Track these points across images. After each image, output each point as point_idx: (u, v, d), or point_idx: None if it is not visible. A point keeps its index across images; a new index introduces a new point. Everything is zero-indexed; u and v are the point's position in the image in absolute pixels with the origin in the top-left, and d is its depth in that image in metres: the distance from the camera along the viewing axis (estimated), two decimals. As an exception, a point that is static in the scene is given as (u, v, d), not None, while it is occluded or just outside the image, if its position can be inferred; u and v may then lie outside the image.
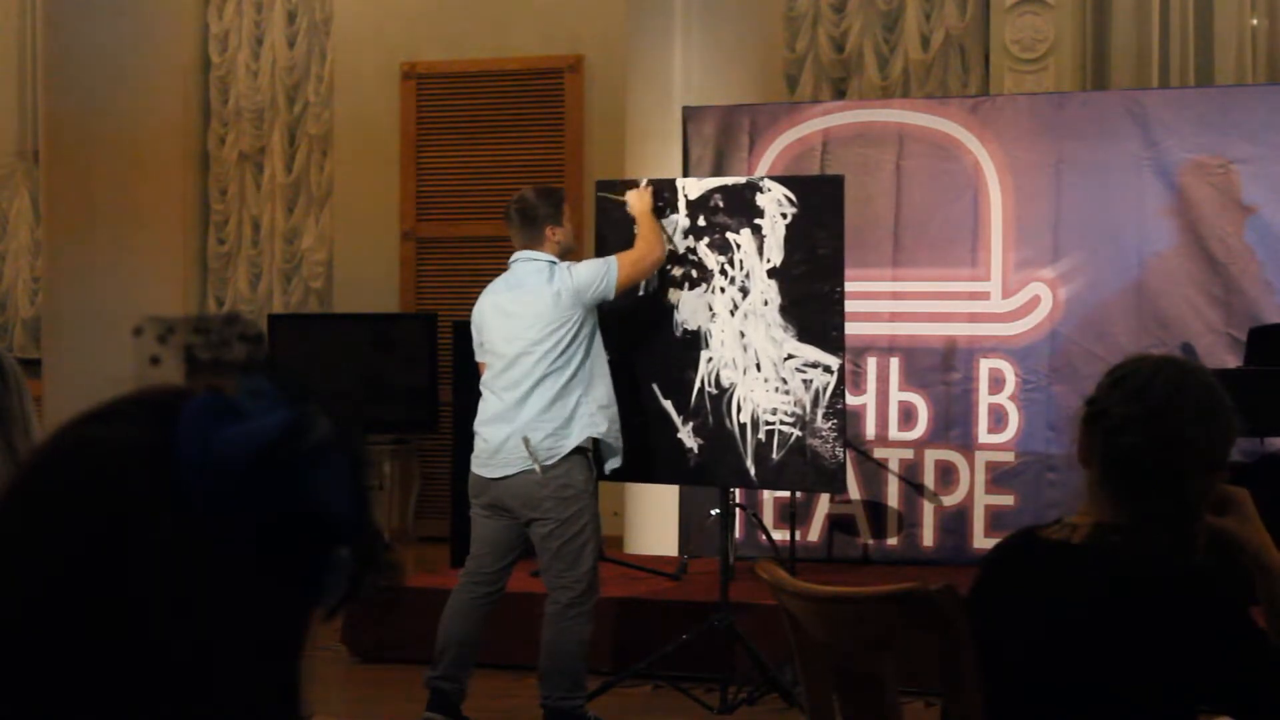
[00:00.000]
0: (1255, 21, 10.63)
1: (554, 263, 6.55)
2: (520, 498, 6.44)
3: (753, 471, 6.97)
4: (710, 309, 7.02)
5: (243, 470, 0.95)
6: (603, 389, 6.56)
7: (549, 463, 6.40)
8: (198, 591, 0.97)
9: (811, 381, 6.86)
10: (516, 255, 6.62)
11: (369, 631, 8.06)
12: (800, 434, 6.86)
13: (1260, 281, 8.34)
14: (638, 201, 6.98)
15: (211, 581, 0.97)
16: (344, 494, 0.98)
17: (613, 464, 6.71)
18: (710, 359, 7.02)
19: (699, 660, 7.16)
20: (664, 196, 7.11)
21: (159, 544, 0.95)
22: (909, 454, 8.81)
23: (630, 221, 7.10)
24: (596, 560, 6.57)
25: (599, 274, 6.55)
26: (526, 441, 6.40)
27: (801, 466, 6.88)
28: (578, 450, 6.46)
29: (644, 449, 7.08)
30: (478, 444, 6.59)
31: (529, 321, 6.49)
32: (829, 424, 6.83)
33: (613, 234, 7.20)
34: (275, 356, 1.04)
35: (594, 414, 6.49)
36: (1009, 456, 8.66)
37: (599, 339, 6.61)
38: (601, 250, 7.26)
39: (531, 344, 6.47)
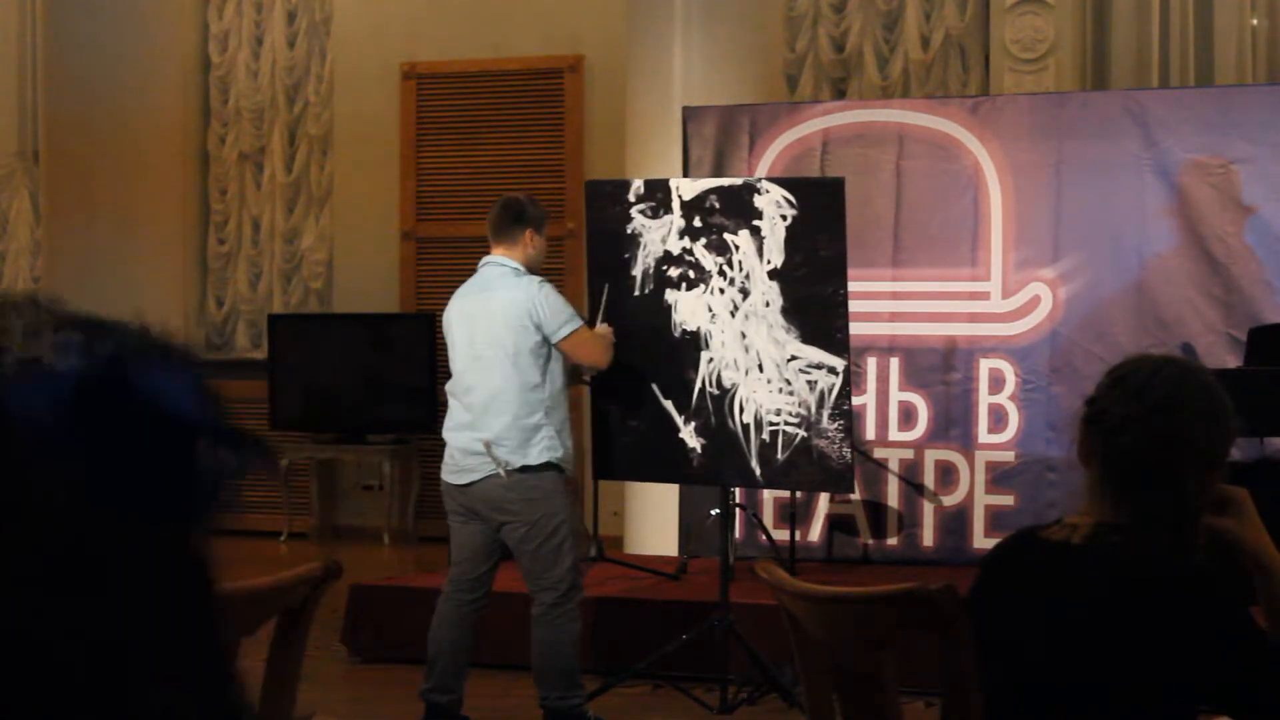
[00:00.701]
0: (1255, 21, 10.64)
1: (520, 270, 6.50)
2: (489, 502, 6.43)
3: (758, 472, 6.96)
4: (709, 310, 7.01)
5: (68, 417, 0.94)
6: (560, 415, 6.52)
7: (510, 468, 6.39)
8: (114, 563, 0.95)
9: (816, 383, 6.85)
10: (485, 260, 6.60)
11: (369, 631, 8.06)
12: (806, 435, 6.86)
13: (1260, 281, 8.34)
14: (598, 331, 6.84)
15: (117, 538, 0.95)
16: (182, 393, 0.96)
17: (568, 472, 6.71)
18: (710, 359, 7.01)
19: (699, 660, 7.16)
20: (657, 198, 7.09)
21: (63, 524, 0.94)
22: (909, 454, 8.81)
23: (622, 222, 7.09)
24: (576, 558, 6.55)
25: (560, 315, 6.45)
26: (488, 445, 6.38)
27: (809, 467, 6.88)
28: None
29: (645, 449, 7.08)
30: (446, 451, 6.59)
31: (488, 323, 6.45)
32: (835, 424, 6.82)
33: (602, 235, 7.18)
34: (61, 307, 1.02)
35: (553, 439, 6.45)
36: (1009, 456, 8.66)
37: (560, 365, 6.56)
38: (592, 250, 7.25)
39: (487, 345, 6.44)
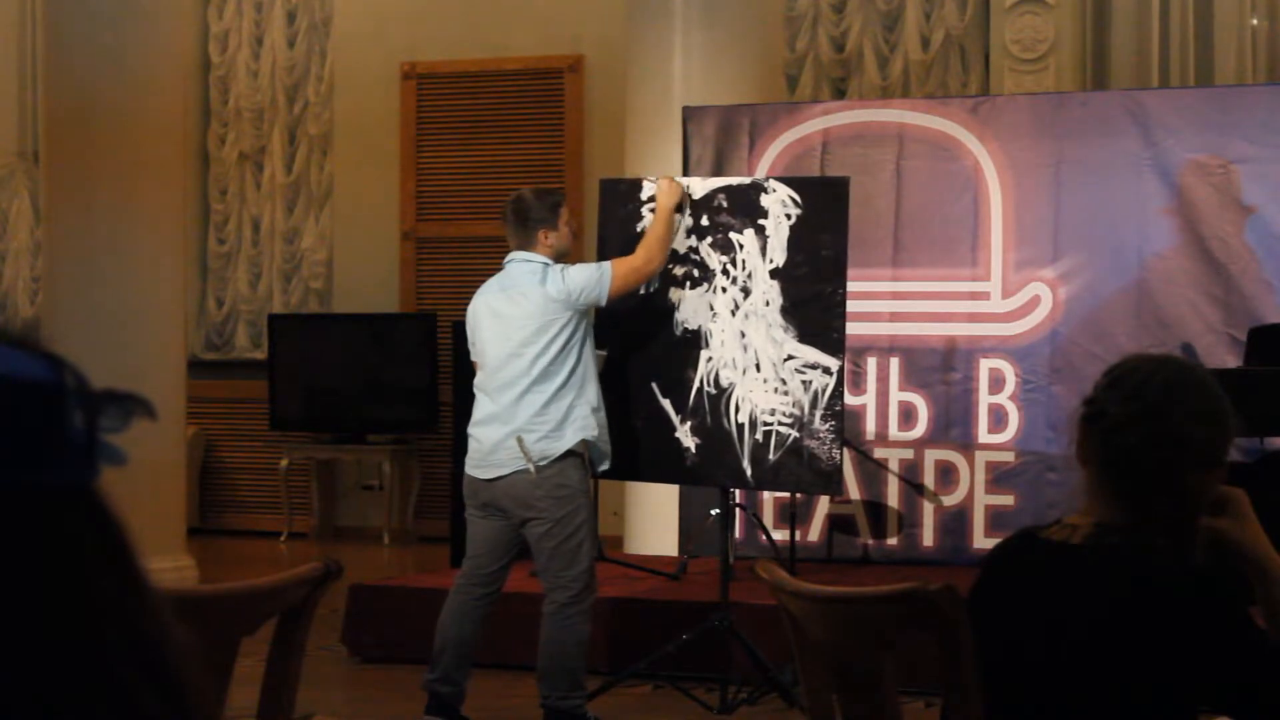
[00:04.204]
0: (1255, 21, 10.64)
1: (547, 264, 6.51)
2: (515, 498, 6.44)
3: (749, 472, 6.96)
4: (711, 309, 7.01)
5: None
6: (594, 392, 6.55)
7: (542, 463, 6.40)
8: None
9: (811, 383, 6.85)
10: (511, 256, 6.60)
11: (369, 631, 8.06)
12: (798, 435, 6.85)
13: (1260, 281, 8.34)
14: (664, 196, 6.95)
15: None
16: (23, 358, 0.93)
17: (602, 467, 6.71)
18: (710, 359, 7.01)
19: (699, 660, 7.16)
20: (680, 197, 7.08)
21: None
22: (909, 454, 8.81)
23: (633, 222, 7.09)
24: (593, 559, 6.57)
25: (592, 279, 6.52)
26: (520, 441, 6.39)
27: (798, 467, 6.88)
28: (571, 451, 6.46)
29: (641, 448, 7.08)
30: (471, 445, 6.59)
31: (520, 323, 6.47)
32: (827, 425, 6.82)
33: (614, 235, 7.19)
34: None
35: (587, 417, 6.47)
36: (1009, 456, 8.66)
37: (592, 342, 6.60)
38: (601, 250, 7.25)
39: (522, 345, 6.46)
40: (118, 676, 0.92)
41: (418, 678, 6.71)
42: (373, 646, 8.03)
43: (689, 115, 9.15)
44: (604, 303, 6.57)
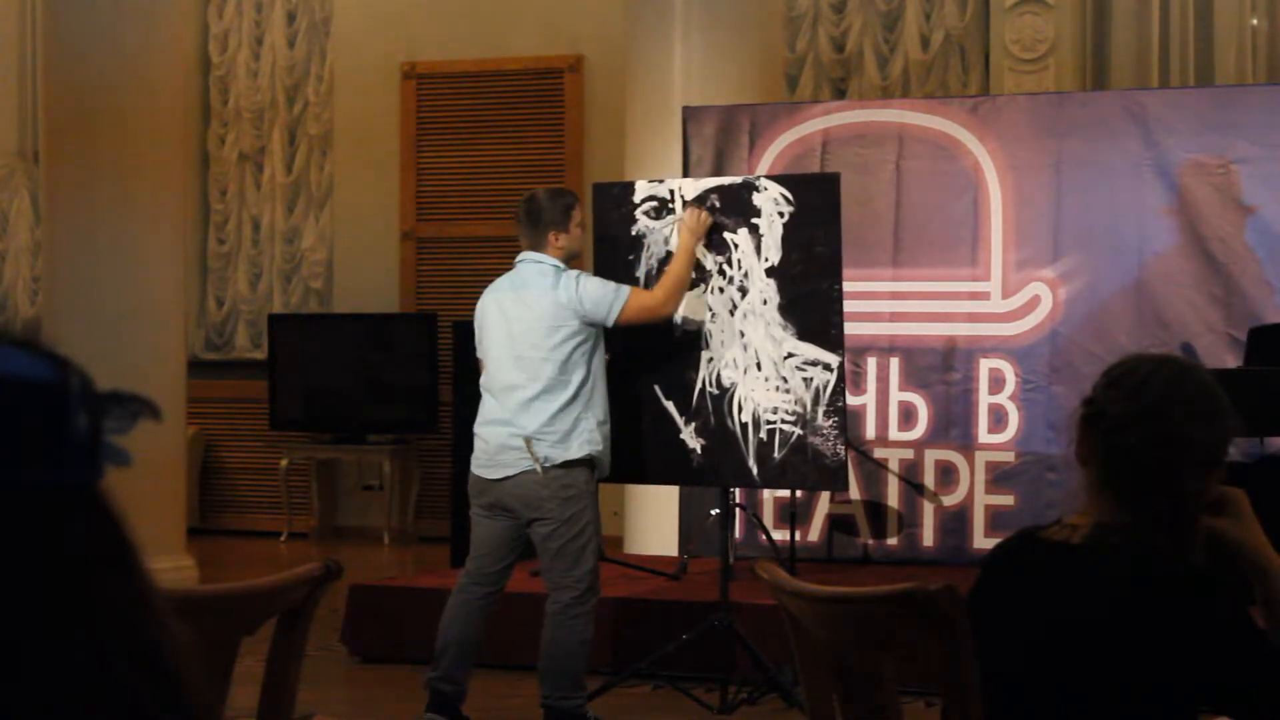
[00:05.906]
0: (1255, 21, 10.65)
1: (559, 267, 6.49)
2: (522, 498, 6.43)
3: (755, 471, 6.96)
4: (709, 309, 7.01)
5: None
6: (602, 406, 6.54)
7: (548, 465, 6.39)
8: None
9: (812, 380, 6.85)
10: (522, 255, 6.58)
11: (369, 631, 8.06)
12: (801, 432, 6.86)
13: (1260, 281, 8.34)
14: (689, 233, 6.86)
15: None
16: (26, 358, 0.93)
17: (599, 474, 6.71)
18: (710, 359, 7.01)
19: (699, 660, 7.16)
20: (660, 199, 7.08)
21: None
22: (909, 454, 8.81)
23: (627, 224, 7.08)
24: (597, 560, 6.56)
25: (606, 298, 6.48)
26: (528, 442, 6.39)
27: (803, 465, 6.88)
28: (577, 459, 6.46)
29: (646, 450, 7.08)
30: (477, 445, 6.58)
31: (528, 325, 6.46)
32: (830, 422, 6.82)
33: (610, 238, 7.18)
34: None
35: (592, 430, 6.46)
36: (1009, 456, 8.66)
37: (602, 354, 6.58)
38: (600, 251, 7.24)
39: (529, 348, 6.44)
40: (118, 676, 0.92)
41: (418, 678, 6.71)
42: (373, 646, 8.03)
43: (689, 115, 9.15)
44: (610, 324, 6.53)
